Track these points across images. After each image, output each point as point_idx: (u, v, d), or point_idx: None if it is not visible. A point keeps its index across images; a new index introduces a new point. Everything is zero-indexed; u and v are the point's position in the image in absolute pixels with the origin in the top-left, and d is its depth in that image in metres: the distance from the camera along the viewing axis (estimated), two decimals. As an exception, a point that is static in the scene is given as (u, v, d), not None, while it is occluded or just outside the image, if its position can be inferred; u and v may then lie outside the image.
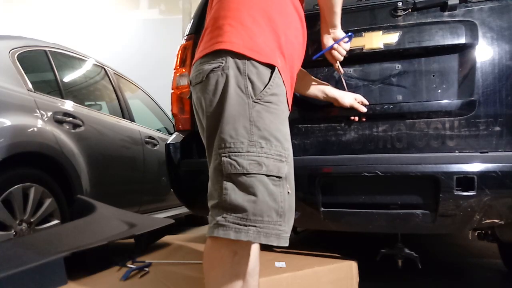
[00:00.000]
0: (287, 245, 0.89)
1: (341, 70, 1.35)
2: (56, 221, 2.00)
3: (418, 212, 1.32)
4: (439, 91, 1.39)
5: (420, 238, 2.96)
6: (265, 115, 0.88)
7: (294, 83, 1.08)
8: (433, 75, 1.40)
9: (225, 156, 0.86)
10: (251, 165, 0.85)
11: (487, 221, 1.31)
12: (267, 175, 0.86)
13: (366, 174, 1.32)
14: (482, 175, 1.22)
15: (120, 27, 7.64)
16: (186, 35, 1.74)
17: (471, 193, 1.23)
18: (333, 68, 1.41)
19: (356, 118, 1.43)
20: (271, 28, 0.94)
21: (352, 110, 1.42)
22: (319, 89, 1.43)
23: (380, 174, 1.30)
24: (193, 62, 1.00)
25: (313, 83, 1.43)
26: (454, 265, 2.35)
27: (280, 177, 0.88)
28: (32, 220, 1.88)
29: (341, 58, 1.29)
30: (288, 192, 0.91)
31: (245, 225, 0.84)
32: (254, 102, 0.88)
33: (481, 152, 1.28)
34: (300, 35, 1.06)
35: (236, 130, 0.86)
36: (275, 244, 0.87)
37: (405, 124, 1.39)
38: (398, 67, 1.44)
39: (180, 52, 1.75)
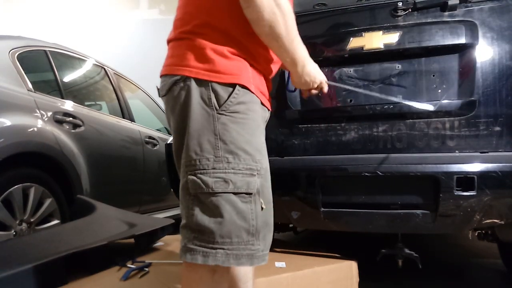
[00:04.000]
0: (264, 263, 0.84)
1: (325, 88, 1.05)
2: (56, 221, 2.00)
3: (418, 212, 1.32)
4: (439, 91, 1.39)
5: (420, 238, 2.96)
6: (231, 127, 0.82)
7: (274, 74, 0.98)
8: (433, 75, 1.40)
9: (191, 174, 0.81)
10: (217, 183, 0.79)
11: (487, 221, 1.31)
12: (234, 193, 0.80)
13: (366, 174, 1.32)
14: (482, 175, 1.23)
15: (120, 27, 7.64)
16: (186, 35, 1.74)
17: (471, 193, 1.23)
18: (331, 69, 1.38)
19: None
20: (242, 31, 0.85)
21: (354, 110, 1.40)
22: None
23: (380, 174, 1.30)
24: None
25: None
26: (454, 265, 2.35)
27: (250, 193, 0.82)
28: (32, 220, 1.87)
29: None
30: (262, 208, 0.87)
31: (212, 248, 0.79)
32: (219, 114, 0.82)
33: (481, 152, 1.28)
34: None
35: (201, 145, 0.81)
36: (248, 265, 0.81)
37: (405, 124, 1.39)
38: (398, 67, 1.44)
39: (180, 52, 1.74)
